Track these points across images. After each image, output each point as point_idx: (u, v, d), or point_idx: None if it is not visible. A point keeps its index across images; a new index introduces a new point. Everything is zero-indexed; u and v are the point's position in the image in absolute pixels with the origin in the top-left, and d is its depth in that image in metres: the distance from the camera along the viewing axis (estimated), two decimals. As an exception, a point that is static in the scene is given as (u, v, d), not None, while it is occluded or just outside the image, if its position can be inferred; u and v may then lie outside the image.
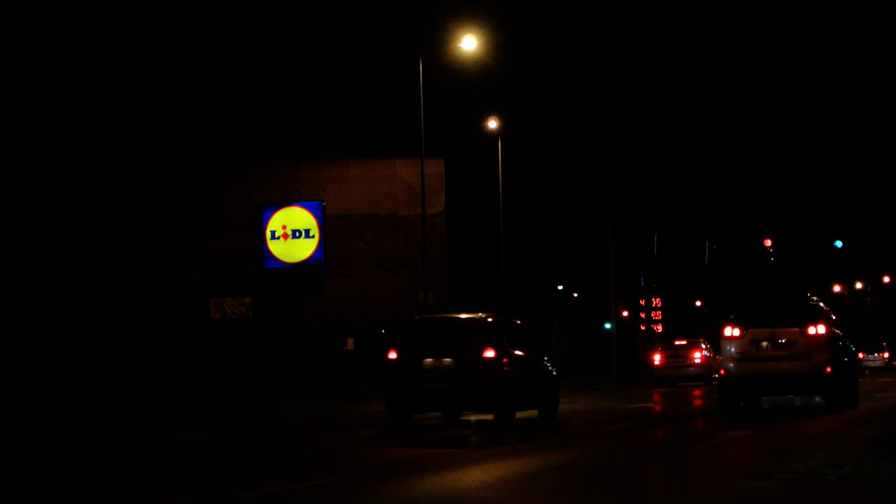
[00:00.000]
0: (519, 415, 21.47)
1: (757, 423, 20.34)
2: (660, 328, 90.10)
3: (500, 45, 52.47)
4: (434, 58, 46.09)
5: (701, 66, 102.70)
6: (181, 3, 58.36)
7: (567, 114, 77.34)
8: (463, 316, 22.13)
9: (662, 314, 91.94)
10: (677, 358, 45.73)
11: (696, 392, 38.17)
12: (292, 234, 56.18)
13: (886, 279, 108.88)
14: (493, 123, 55.08)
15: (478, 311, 22.24)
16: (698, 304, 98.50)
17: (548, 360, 23.38)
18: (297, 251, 56.22)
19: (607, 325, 75.16)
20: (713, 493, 11.21)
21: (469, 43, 44.90)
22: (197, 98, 58.44)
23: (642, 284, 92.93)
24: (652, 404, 29.54)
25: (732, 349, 22.14)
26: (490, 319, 21.50)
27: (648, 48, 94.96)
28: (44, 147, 51.54)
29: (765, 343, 22.03)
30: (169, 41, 57.30)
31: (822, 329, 22.04)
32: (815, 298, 25.73)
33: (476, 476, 12.80)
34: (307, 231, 56.22)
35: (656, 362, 46.45)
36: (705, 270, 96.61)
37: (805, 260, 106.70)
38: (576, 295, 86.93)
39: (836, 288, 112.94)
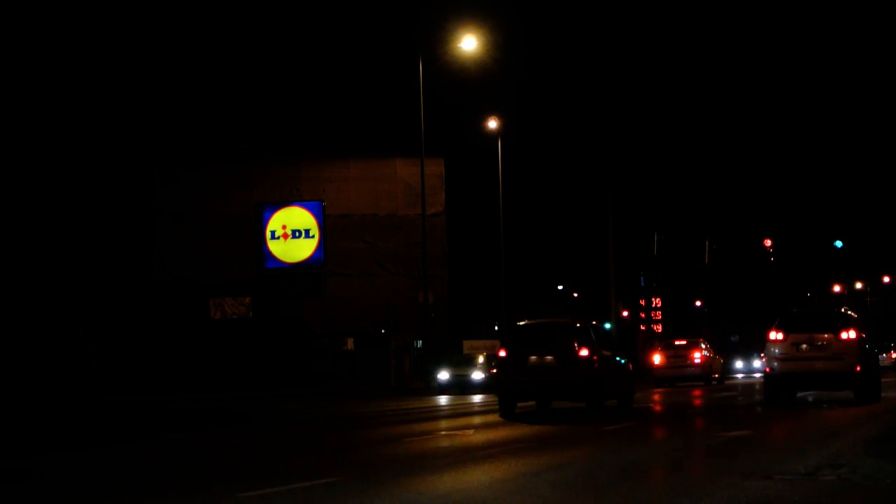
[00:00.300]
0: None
1: (757, 423, 20.36)
2: (660, 328, 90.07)
3: (500, 45, 52.50)
4: (434, 58, 46.10)
5: (701, 66, 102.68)
6: (181, 3, 58.37)
7: (567, 114, 77.37)
8: (559, 320, 26.87)
9: (662, 314, 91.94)
10: (677, 358, 45.72)
11: (696, 392, 38.16)
12: (292, 234, 56.17)
13: (886, 279, 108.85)
14: (493, 123, 55.08)
15: (561, 317, 27.22)
16: (698, 304, 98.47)
17: (625, 359, 27.37)
18: (297, 251, 56.20)
19: (607, 325, 75.08)
20: (713, 492, 11.22)
21: (469, 43, 44.89)
22: (197, 98, 58.47)
23: (642, 284, 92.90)
24: (652, 404, 29.53)
25: (776, 350, 25.56)
26: (578, 324, 25.45)
27: (648, 48, 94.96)
28: (44, 147, 51.54)
29: (804, 345, 25.41)
30: (169, 41, 57.33)
31: (853, 334, 25.38)
32: (844, 308, 29.31)
33: (477, 476, 12.81)
34: (307, 231, 56.20)
35: (656, 362, 46.46)
36: (705, 270, 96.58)
37: (805, 260, 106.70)
38: (576, 295, 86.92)
39: (836, 288, 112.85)
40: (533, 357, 24.46)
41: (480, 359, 44.21)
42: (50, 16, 51.95)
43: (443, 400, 36.00)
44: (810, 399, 28.34)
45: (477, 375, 42.26)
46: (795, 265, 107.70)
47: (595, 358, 24.44)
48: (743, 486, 11.54)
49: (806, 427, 19.70)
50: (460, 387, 41.69)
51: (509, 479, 12.45)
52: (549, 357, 24.37)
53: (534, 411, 25.60)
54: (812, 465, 13.04)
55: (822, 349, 25.30)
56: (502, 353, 25.17)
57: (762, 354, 27.27)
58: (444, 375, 42.86)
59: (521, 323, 27.01)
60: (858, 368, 25.20)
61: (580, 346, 24.37)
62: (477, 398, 36.61)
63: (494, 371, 41.44)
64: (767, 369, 25.90)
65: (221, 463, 15.24)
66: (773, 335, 25.66)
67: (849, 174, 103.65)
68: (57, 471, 14.56)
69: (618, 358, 26.68)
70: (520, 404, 25.55)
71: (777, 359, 25.50)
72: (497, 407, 25.32)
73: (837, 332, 25.38)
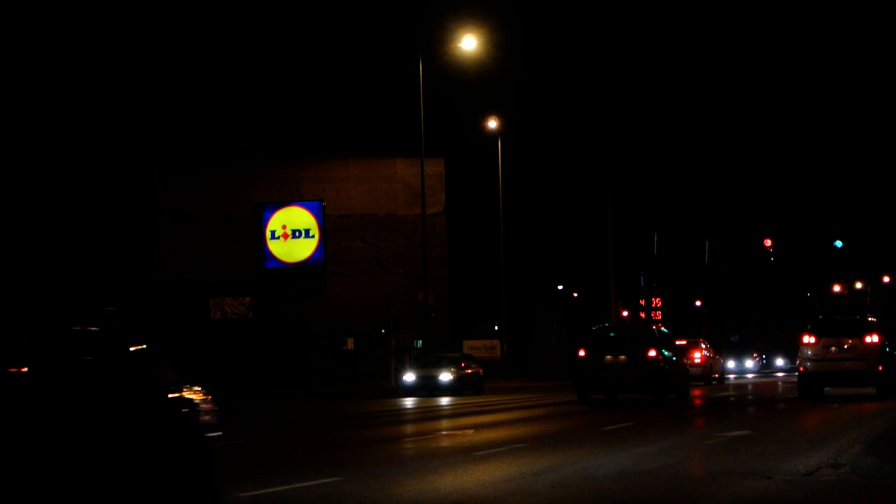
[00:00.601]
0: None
1: (757, 423, 20.37)
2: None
3: (500, 44, 52.50)
4: (434, 58, 46.09)
5: (701, 66, 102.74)
6: (181, 3, 58.36)
7: (567, 113, 77.37)
8: (631, 325, 33.32)
9: (662, 314, 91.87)
10: (677, 358, 45.68)
11: (696, 392, 38.15)
12: (292, 233, 56.13)
13: (886, 279, 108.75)
14: (493, 123, 55.07)
15: (631, 322, 32.23)
16: (698, 304, 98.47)
17: (685, 359, 32.20)
18: (297, 251, 56.17)
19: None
20: (713, 493, 11.22)
21: (469, 43, 44.88)
22: (197, 98, 58.45)
23: (642, 284, 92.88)
24: (651, 404, 29.56)
25: (809, 352, 29.36)
26: (647, 329, 30.41)
27: (648, 48, 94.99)
28: (44, 147, 51.53)
29: (833, 348, 29.13)
30: (168, 41, 57.31)
31: (875, 338, 29.14)
32: (868, 314, 33.53)
33: (477, 475, 12.81)
34: (307, 231, 56.18)
35: (656, 362, 46.35)
36: (705, 270, 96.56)
37: (805, 260, 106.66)
38: (576, 295, 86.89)
39: (836, 288, 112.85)
40: (608, 357, 28.82)
41: (449, 359, 42.09)
42: (50, 16, 51.95)
43: (444, 401, 35.90)
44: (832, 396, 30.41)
45: (445, 377, 40.08)
46: (795, 265, 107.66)
47: (660, 358, 28.80)
48: (743, 486, 11.54)
49: (806, 427, 19.69)
50: (427, 388, 39.76)
51: (508, 478, 12.45)
52: (622, 357, 28.73)
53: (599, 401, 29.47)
54: (812, 465, 13.04)
55: (848, 351, 29.03)
56: (581, 353, 29.37)
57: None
58: (409, 377, 40.74)
59: (596, 327, 31.61)
60: (880, 368, 28.84)
61: (648, 348, 28.80)
62: (445, 400, 35.86)
63: (462, 372, 41.31)
64: (802, 368, 29.70)
65: (220, 462, 15.21)
66: (805, 339, 29.53)
67: (849, 174, 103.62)
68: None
69: (681, 360, 31.54)
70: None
71: (810, 359, 29.31)
72: (480, 409, 26.83)
73: (862, 336, 29.13)
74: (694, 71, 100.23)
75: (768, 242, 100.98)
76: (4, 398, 4.81)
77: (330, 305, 56.10)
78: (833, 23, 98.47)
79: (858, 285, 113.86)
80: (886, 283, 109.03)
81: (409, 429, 21.12)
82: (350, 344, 58.31)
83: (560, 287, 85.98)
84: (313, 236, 56.19)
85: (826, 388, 30.66)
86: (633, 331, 30.83)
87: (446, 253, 57.39)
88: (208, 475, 6.07)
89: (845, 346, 29.16)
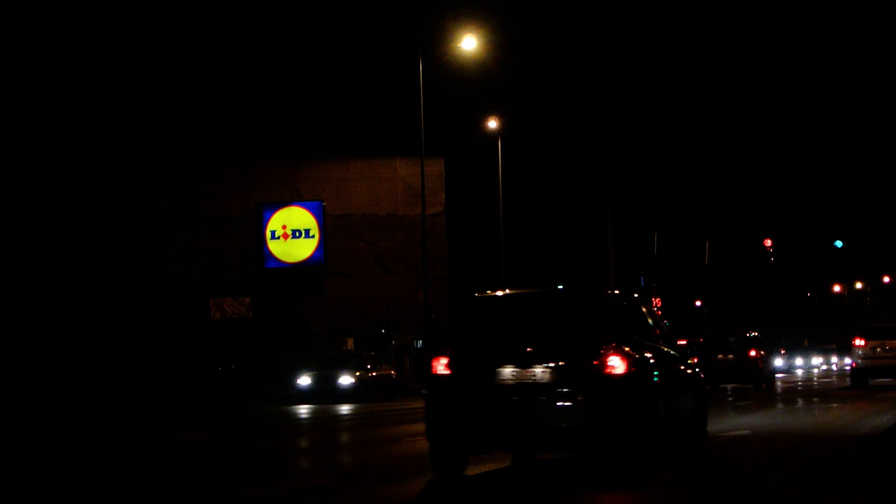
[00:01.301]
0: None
1: (757, 423, 20.38)
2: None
3: (500, 44, 52.46)
4: (434, 58, 46.06)
5: (701, 66, 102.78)
6: (181, 3, 58.38)
7: (567, 113, 77.38)
8: (736, 332, 41.22)
9: (662, 314, 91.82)
10: (677, 358, 45.92)
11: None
12: (292, 233, 56.13)
13: (886, 279, 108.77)
14: (493, 123, 55.02)
15: (736, 328, 47.08)
16: (698, 304, 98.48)
17: (772, 356, 42.96)
18: (297, 251, 56.19)
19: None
20: (712, 492, 11.22)
21: (469, 43, 44.85)
22: (197, 98, 58.45)
23: (642, 284, 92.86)
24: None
25: (860, 352, 37.09)
26: (747, 334, 39.89)
27: (648, 48, 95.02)
28: (44, 147, 51.54)
29: (878, 349, 36.64)
30: (168, 41, 57.33)
31: None
32: None
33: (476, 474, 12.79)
34: (307, 231, 56.18)
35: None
36: (705, 270, 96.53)
37: (805, 260, 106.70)
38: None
39: (836, 288, 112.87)
40: (720, 355, 38.31)
41: (350, 358, 38.07)
42: (50, 16, 51.96)
43: (344, 409, 30.90)
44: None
45: (345, 380, 35.07)
46: (795, 265, 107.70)
47: (757, 357, 38.26)
48: (742, 485, 11.54)
49: (805, 427, 19.67)
50: (325, 394, 34.93)
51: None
52: (730, 356, 38.35)
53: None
54: (812, 464, 13.04)
55: (890, 351, 36.35)
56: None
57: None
58: (304, 381, 35.46)
59: (710, 332, 42.88)
60: None
61: (749, 349, 38.39)
62: (345, 408, 30.97)
63: (370, 374, 36.62)
64: (854, 364, 37.86)
65: (220, 462, 15.23)
66: (857, 342, 37.26)
67: (849, 174, 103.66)
68: (56, 471, 14.55)
69: (770, 357, 40.87)
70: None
71: (861, 357, 36.96)
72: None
73: None
74: (693, 71, 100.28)
75: (768, 242, 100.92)
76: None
77: (330, 305, 56.10)
78: (833, 23, 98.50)
79: (858, 285, 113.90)
80: (886, 283, 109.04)
81: (415, 428, 21.07)
82: (350, 344, 58.29)
83: (560, 287, 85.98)
84: (313, 236, 56.19)
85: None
86: (737, 335, 39.74)
87: (446, 253, 57.37)
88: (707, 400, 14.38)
89: (888, 347, 36.42)
